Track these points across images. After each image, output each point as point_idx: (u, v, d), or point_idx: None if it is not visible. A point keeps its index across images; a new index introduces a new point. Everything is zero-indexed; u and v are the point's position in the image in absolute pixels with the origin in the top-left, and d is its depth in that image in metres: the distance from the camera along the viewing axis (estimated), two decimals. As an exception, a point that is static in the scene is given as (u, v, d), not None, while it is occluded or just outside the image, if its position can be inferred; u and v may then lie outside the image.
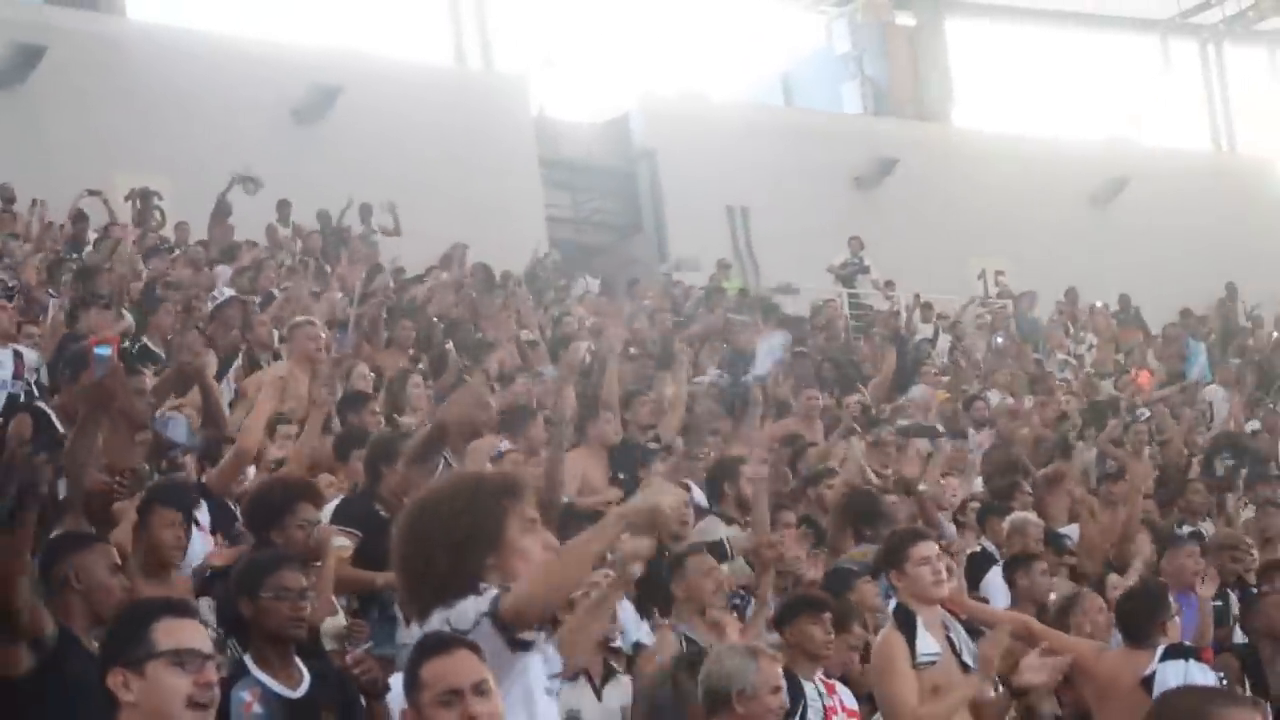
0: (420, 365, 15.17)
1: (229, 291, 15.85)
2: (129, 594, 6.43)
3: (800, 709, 7.47)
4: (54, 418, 9.29)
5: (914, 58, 34.69)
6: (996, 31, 35.43)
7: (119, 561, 6.61)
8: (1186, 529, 13.83)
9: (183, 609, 4.37)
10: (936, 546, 7.79)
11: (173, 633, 4.13)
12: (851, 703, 8.40)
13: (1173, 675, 7.92)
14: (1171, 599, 9.05)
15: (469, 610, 4.70)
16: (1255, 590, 11.44)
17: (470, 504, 4.86)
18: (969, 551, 11.54)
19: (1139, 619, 8.50)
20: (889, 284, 26.72)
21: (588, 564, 4.90)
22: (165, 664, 4.10)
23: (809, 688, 7.84)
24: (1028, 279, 28.97)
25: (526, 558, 4.83)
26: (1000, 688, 7.49)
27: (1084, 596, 9.47)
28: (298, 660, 6.43)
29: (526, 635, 4.71)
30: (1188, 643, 8.76)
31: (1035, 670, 7.22)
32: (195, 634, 4.21)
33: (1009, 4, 35.27)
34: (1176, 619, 8.88)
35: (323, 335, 12.43)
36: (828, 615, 8.33)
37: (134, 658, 4.12)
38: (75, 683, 6.02)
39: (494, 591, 4.73)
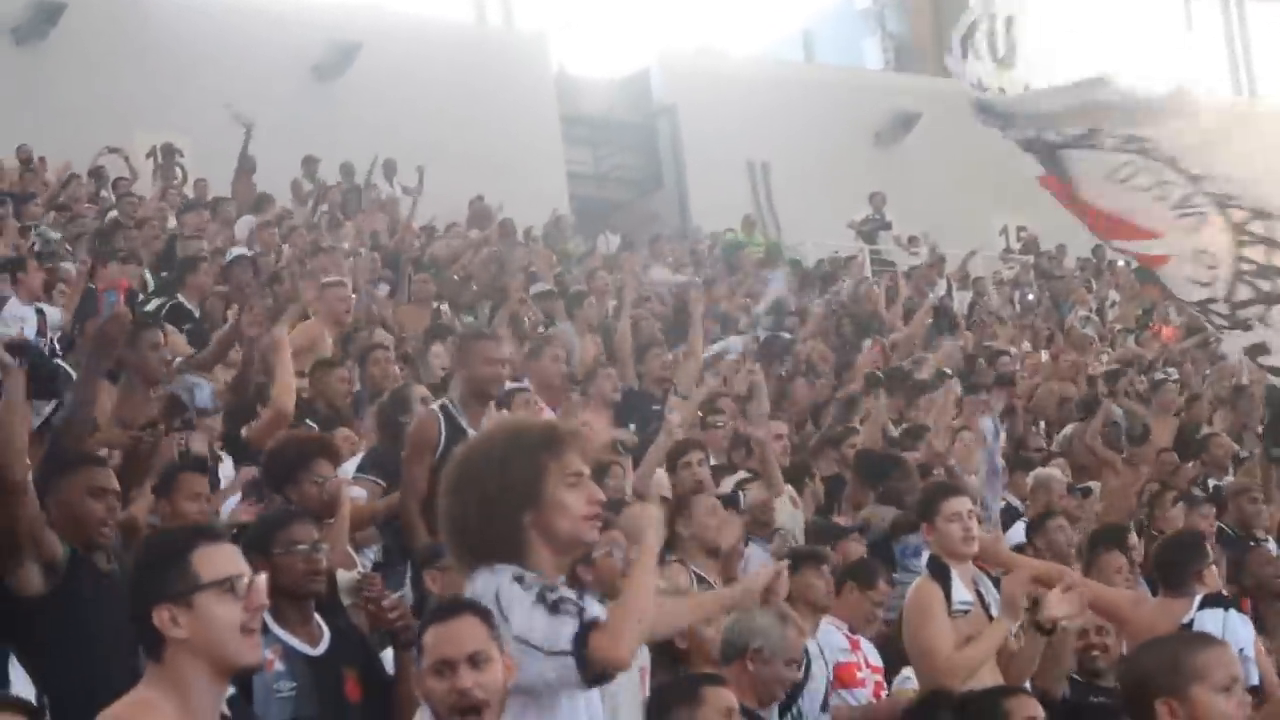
0: (442, 321, 15.17)
1: (240, 249, 15.76)
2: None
3: (803, 664, 7.40)
4: (74, 375, 9.27)
5: (935, 11, 34.51)
6: (1018, -15, 35.23)
7: (105, 486, 6.65)
8: (1212, 483, 13.83)
9: (214, 534, 4.23)
10: (968, 502, 7.78)
11: (214, 560, 3.96)
12: (877, 659, 8.40)
13: (1211, 624, 7.88)
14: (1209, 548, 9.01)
15: (560, 631, 4.41)
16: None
17: (505, 457, 4.62)
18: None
19: (1176, 568, 8.44)
20: (912, 239, 26.68)
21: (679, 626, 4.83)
22: (215, 594, 3.92)
23: (811, 645, 7.75)
24: (1051, 235, 28.86)
25: (568, 514, 4.63)
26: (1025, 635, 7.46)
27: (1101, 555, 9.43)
28: (318, 618, 6.40)
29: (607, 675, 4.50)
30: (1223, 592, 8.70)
31: (1059, 603, 7.19)
32: (235, 557, 4.05)
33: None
34: (1214, 567, 8.82)
35: (351, 296, 12.51)
36: (826, 567, 8.39)
37: (178, 592, 3.90)
38: (89, 602, 6.17)
39: (578, 623, 4.43)
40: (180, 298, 13.61)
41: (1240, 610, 8.26)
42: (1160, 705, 4.32)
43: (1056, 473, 12.44)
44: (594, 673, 4.40)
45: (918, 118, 31.86)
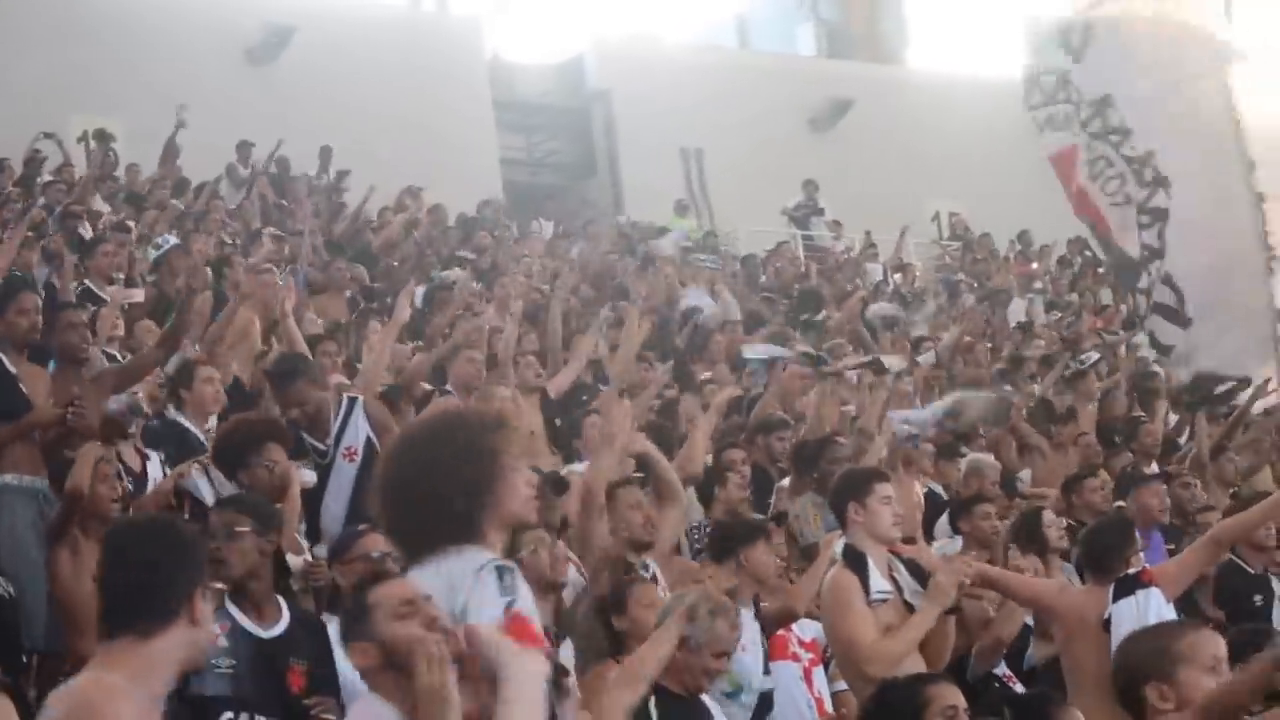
0: (362, 307, 15.18)
1: (171, 238, 15.67)
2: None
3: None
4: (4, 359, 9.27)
5: (868, -1, 34.72)
6: (950, -27, 35.45)
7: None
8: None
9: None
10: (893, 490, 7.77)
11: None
12: (809, 635, 8.43)
13: (1128, 614, 7.83)
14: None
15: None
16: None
17: (467, 443, 4.65)
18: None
19: (1104, 553, 8.27)
20: (836, 223, 26.83)
21: None
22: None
23: (745, 614, 7.72)
24: (982, 221, 29.07)
25: (518, 495, 4.68)
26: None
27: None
28: (282, 602, 6.40)
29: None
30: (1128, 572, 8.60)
31: (945, 574, 7.23)
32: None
33: None
34: (1141, 555, 8.75)
35: (281, 283, 12.59)
36: (768, 539, 8.38)
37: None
38: None
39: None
40: (87, 282, 13.53)
41: (1146, 584, 8.14)
42: (1150, 690, 4.42)
43: (990, 458, 12.40)
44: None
45: (851, 104, 31.99)
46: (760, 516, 9.95)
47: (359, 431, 8.96)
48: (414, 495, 4.61)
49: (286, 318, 11.60)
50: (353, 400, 9.14)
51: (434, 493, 4.56)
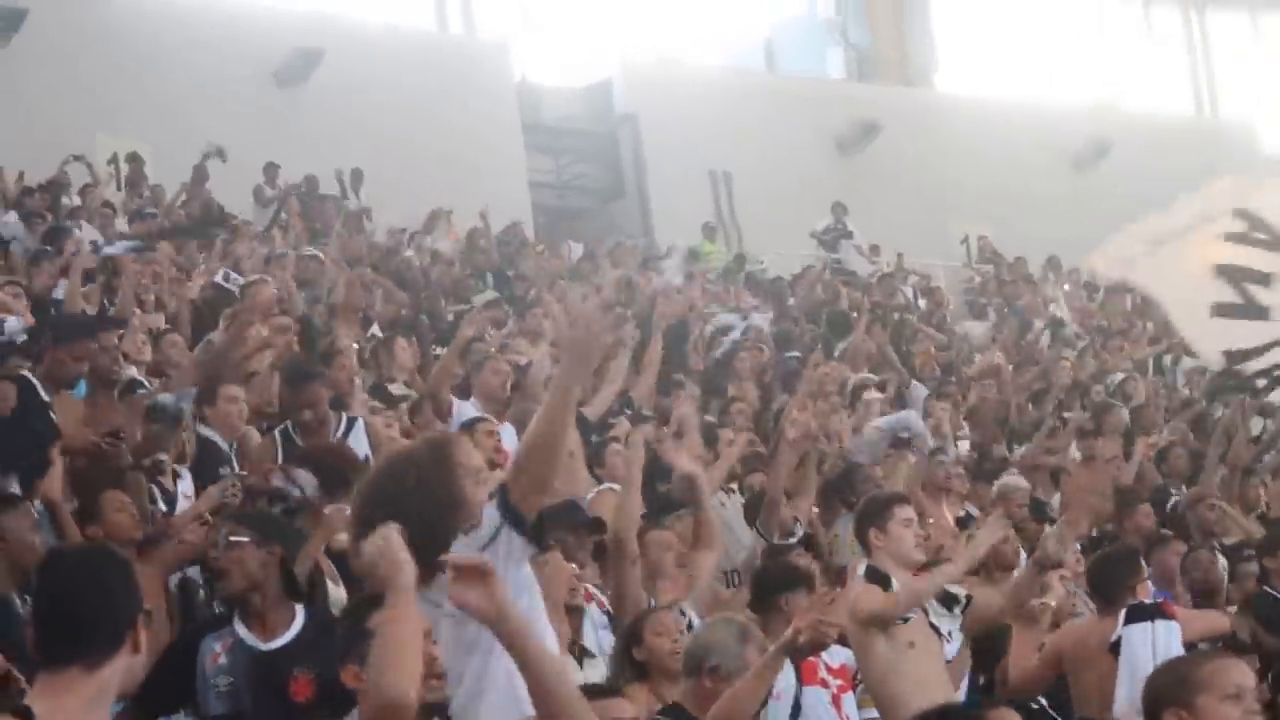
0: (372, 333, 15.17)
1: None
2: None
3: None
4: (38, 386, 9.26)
5: (897, 22, 34.65)
6: (980, -4, 35.39)
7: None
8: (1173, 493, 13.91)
9: None
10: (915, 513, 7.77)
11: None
12: (838, 661, 8.39)
13: (1139, 638, 7.84)
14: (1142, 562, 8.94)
15: (471, 546, 4.81)
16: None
17: (434, 474, 4.94)
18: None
19: (1110, 582, 8.38)
20: (874, 248, 26.77)
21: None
22: None
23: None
24: (1010, 244, 29.00)
25: (478, 510, 4.92)
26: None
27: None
28: (298, 610, 6.37)
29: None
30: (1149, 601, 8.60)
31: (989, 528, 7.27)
32: None
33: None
34: (1148, 582, 8.75)
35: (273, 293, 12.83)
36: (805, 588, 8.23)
37: None
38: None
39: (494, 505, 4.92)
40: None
41: (1166, 616, 8.15)
42: (1169, 716, 4.36)
43: (1021, 482, 12.39)
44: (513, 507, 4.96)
45: (880, 127, 31.93)
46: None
47: (359, 450, 9.02)
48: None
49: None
50: (352, 420, 9.25)
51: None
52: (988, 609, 7.99)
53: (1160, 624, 8.00)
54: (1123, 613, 8.06)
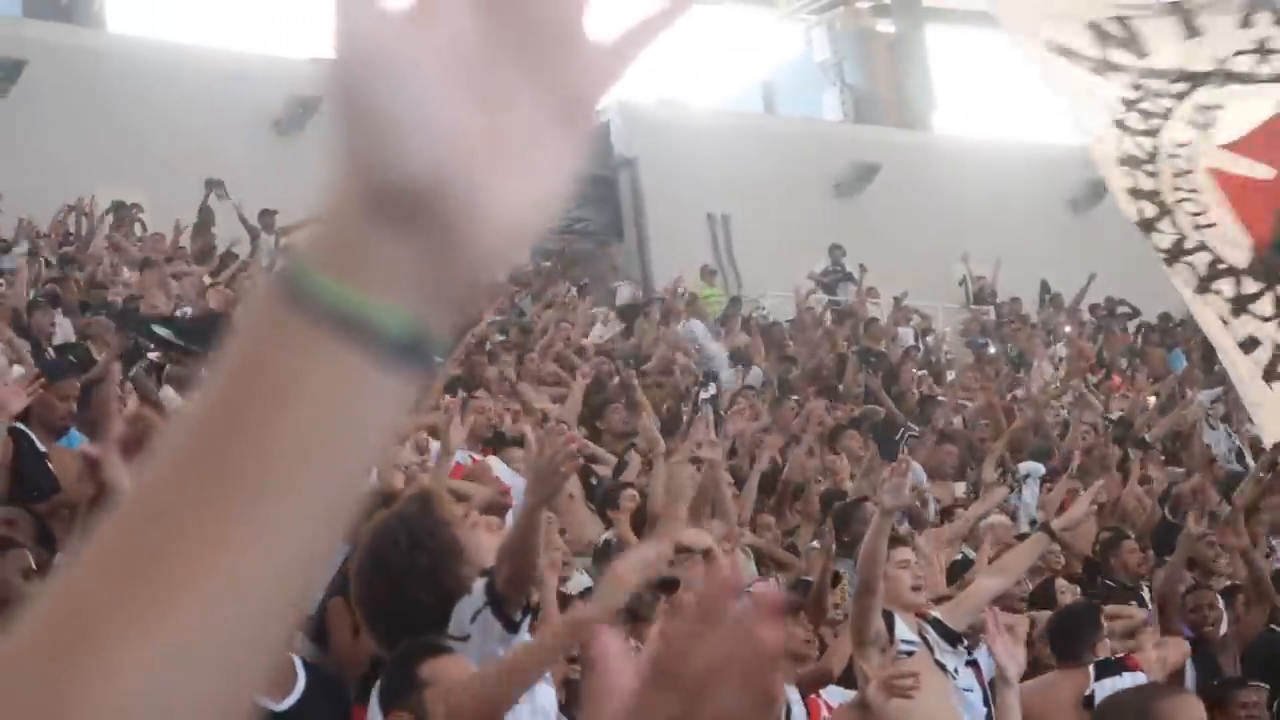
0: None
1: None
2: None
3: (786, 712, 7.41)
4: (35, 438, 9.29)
5: (894, 65, 34.78)
6: (976, 38, 35.43)
7: (33, 566, 6.69)
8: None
9: None
10: (913, 554, 7.77)
11: None
12: (837, 701, 8.39)
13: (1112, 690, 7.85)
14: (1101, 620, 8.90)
15: (465, 610, 4.85)
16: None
17: (423, 529, 5.01)
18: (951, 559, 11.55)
19: (1071, 639, 8.43)
20: (871, 291, 26.82)
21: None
22: None
23: (790, 691, 7.74)
24: (1008, 285, 29.04)
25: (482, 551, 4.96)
26: None
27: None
28: (297, 664, 6.21)
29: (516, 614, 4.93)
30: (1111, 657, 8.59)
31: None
32: None
33: (989, 10, 35.21)
34: (1108, 640, 8.74)
35: None
36: (801, 614, 8.30)
37: None
38: None
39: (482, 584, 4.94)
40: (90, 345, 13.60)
41: (1130, 670, 8.19)
42: None
43: (1005, 519, 12.45)
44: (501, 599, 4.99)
45: (878, 169, 32.00)
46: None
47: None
48: (389, 609, 4.83)
49: None
50: None
51: (405, 599, 4.74)
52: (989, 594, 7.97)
53: (1127, 676, 8.04)
54: (1091, 667, 8.10)
